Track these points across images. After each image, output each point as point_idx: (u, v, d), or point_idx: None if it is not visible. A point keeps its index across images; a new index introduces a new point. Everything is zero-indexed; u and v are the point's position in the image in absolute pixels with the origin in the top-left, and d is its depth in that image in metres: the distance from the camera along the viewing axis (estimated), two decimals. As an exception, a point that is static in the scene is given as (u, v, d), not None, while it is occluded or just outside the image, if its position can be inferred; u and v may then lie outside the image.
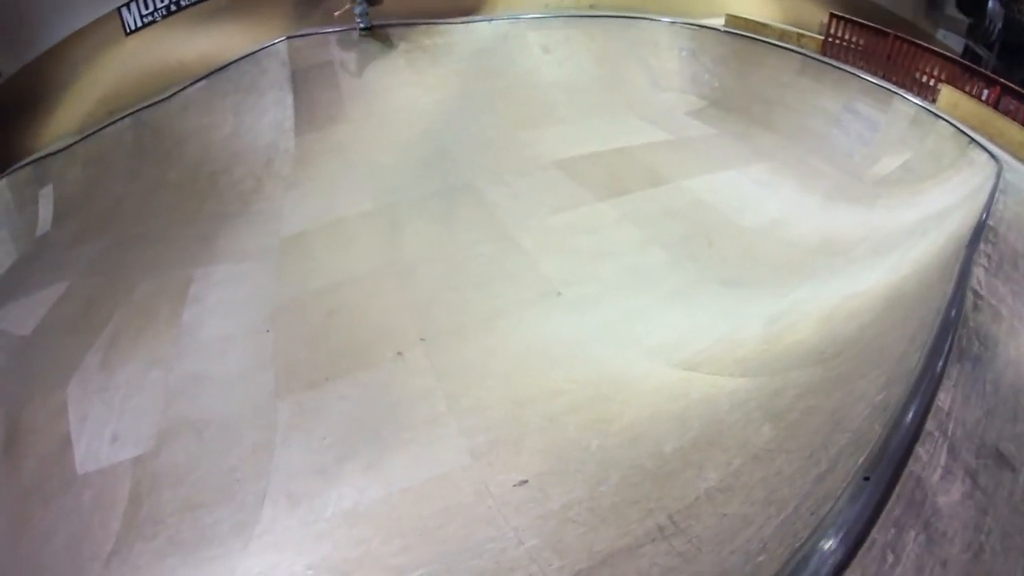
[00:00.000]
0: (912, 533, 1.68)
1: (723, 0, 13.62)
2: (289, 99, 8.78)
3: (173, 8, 10.91)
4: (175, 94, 9.30)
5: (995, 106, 9.83)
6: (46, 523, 4.08)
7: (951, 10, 24.54)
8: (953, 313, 3.00)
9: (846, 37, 11.03)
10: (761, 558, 1.82)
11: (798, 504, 2.00)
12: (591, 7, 11.72)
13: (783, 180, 7.85)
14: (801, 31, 11.61)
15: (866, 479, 1.71)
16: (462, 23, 10.50)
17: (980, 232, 4.53)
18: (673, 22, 11.27)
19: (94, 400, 4.90)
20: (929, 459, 1.99)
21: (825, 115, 9.32)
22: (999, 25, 26.52)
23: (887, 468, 1.81)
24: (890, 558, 1.59)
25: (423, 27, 10.06)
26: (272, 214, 7.04)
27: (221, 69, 9.39)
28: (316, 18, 10.66)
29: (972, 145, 7.51)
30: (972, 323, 3.12)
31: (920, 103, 8.85)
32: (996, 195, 5.36)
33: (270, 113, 8.71)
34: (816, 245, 6.24)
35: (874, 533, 1.60)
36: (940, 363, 2.53)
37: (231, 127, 8.68)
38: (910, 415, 2.11)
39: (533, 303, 5.31)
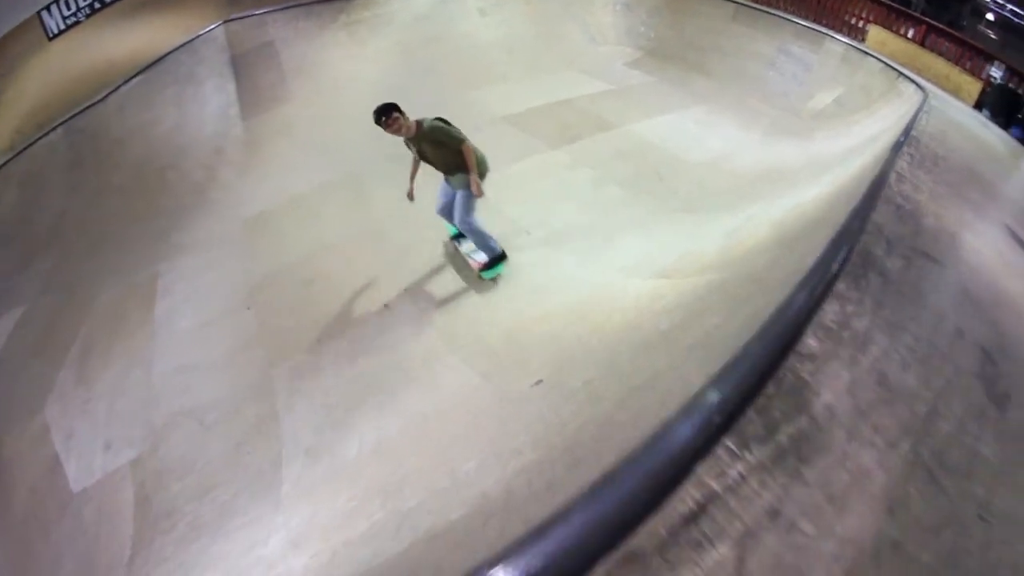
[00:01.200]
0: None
1: None
2: (231, 85, 8.25)
3: (97, 6, 10.04)
4: (108, 95, 8.62)
5: (921, 43, 10.29)
6: (51, 551, 3.75)
7: None
8: (876, 186, 3.22)
9: None
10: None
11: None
12: None
13: (723, 120, 8.08)
14: None
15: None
16: None
17: (906, 136, 4.91)
18: None
19: (77, 416, 4.51)
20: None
21: (760, 58, 9.58)
22: None
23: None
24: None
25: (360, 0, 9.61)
26: (230, 201, 6.64)
27: (155, 63, 8.72)
28: (249, 2, 10.04)
29: (900, 78, 7.90)
30: (895, 190, 3.33)
31: (850, 42, 9.24)
32: (920, 115, 5.63)
33: (213, 101, 8.17)
34: (760, 173, 6.47)
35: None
36: (863, 216, 2.67)
37: (173, 120, 8.11)
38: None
39: (505, 243, 5.24)
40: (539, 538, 0.88)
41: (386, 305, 4.57)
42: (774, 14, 10.14)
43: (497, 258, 4.78)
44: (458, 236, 5.26)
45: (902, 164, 4.09)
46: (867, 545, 1.01)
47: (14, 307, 6.17)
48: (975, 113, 8.78)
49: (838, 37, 9.32)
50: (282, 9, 9.11)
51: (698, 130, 7.70)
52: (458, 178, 4.74)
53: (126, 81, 8.64)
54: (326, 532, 2.82)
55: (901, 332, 1.79)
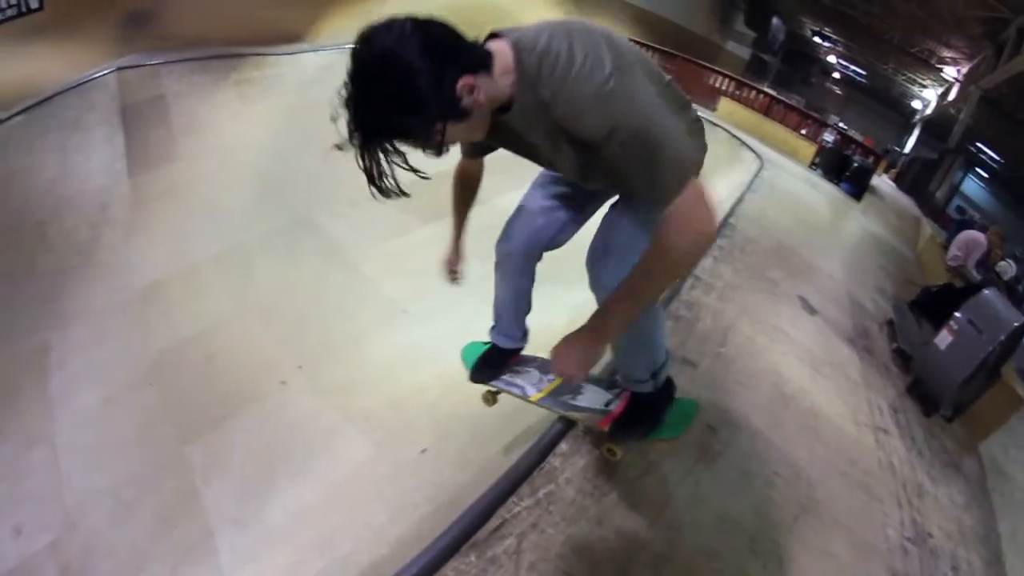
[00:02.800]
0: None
1: (531, 18, 15.34)
2: (120, 137, 7.96)
3: None
4: None
5: (765, 112, 12.42)
6: None
7: (739, 26, 28.76)
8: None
9: None
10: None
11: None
12: None
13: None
14: None
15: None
16: (289, 54, 10.31)
17: (727, 220, 6.14)
18: None
19: (-26, 503, 4.50)
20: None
21: None
22: (781, 38, 31.27)
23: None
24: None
25: (253, 59, 9.70)
26: (119, 265, 6.57)
27: (42, 102, 8.07)
28: (142, 43, 9.61)
29: (742, 147, 8.88)
30: (685, 297, 4.36)
31: (702, 115, 10.58)
32: (747, 193, 6.84)
33: (99, 152, 7.82)
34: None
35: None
36: None
37: (56, 169, 7.62)
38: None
39: (386, 321, 5.96)
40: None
41: (283, 382, 5.09)
42: None
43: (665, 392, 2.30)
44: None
45: (706, 263, 5.00)
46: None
47: None
48: (808, 173, 10.12)
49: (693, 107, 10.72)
50: (176, 61, 8.99)
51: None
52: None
53: (9, 117, 8.02)
54: None
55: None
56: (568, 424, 2.64)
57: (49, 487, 4.35)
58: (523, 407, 2.86)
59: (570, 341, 1.75)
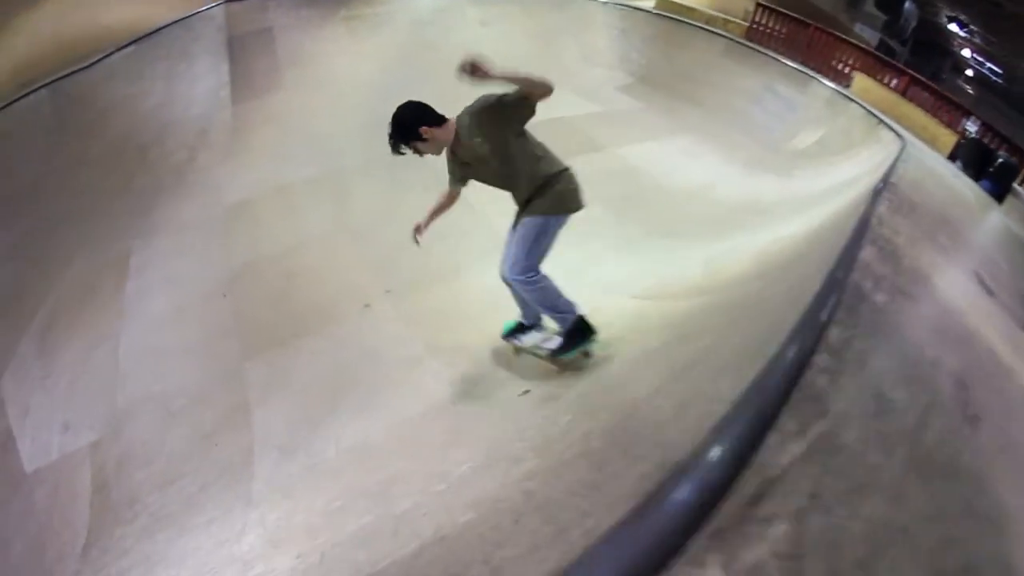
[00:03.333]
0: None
1: None
2: (225, 66, 7.99)
3: None
4: (98, 61, 8.24)
5: (903, 94, 10.70)
6: None
7: (869, 7, 25.81)
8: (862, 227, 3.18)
9: (770, 25, 11.57)
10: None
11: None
12: None
13: (707, 150, 8.07)
14: (728, 17, 12.03)
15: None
16: None
17: (885, 182, 4.93)
18: (606, 2, 11.34)
19: (35, 390, 4.25)
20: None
21: (747, 94, 9.63)
22: (913, 24, 27.95)
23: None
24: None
25: None
26: (211, 184, 6.41)
27: (150, 34, 8.37)
28: None
29: (880, 125, 7.95)
30: (877, 232, 3.31)
31: (835, 87, 9.35)
32: (897, 163, 5.73)
33: (204, 81, 7.89)
34: (741, 204, 6.50)
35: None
36: (852, 254, 2.66)
37: (161, 96, 7.79)
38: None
39: (491, 253, 5.09)
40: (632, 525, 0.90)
41: (367, 305, 4.45)
42: (764, 53, 10.32)
43: (577, 328, 3.26)
44: (514, 332, 3.70)
45: (882, 209, 4.22)
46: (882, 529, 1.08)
47: (-28, 273, 5.85)
48: (948, 164, 9.03)
49: (824, 81, 9.48)
50: None
51: (683, 159, 7.72)
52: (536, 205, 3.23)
53: (118, 49, 8.29)
54: (310, 532, 2.66)
55: (889, 358, 1.86)
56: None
57: (105, 387, 4.01)
58: (657, 360, 2.87)
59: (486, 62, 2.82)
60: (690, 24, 11.00)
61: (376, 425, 3.36)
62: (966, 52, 32.38)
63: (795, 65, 9.87)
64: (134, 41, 8.27)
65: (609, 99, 9.40)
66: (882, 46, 27.22)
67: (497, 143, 3.04)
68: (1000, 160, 10.42)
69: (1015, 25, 22.45)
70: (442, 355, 3.87)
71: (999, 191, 9.96)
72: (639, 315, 3.86)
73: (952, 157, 10.53)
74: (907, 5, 25.97)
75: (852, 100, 8.88)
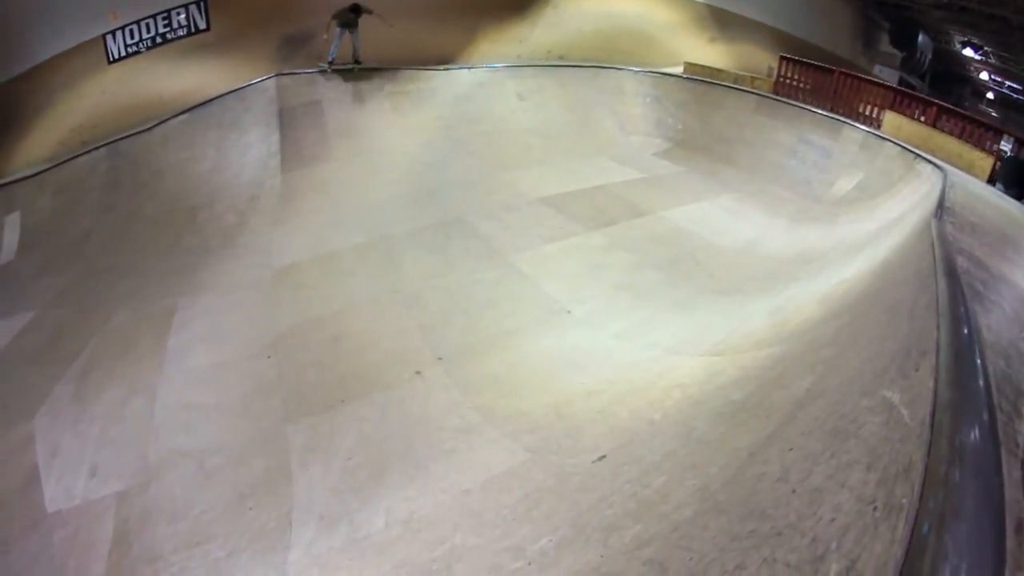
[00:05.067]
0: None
1: (679, 50, 15.11)
2: (275, 136, 8.56)
3: (159, 40, 10.57)
4: (155, 126, 8.95)
5: (933, 125, 10.70)
6: (5, 571, 3.51)
7: (885, 46, 26.72)
8: (941, 253, 3.23)
9: (795, 77, 11.98)
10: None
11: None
12: (560, 57, 12.56)
13: (750, 207, 8.35)
14: (754, 75, 12.59)
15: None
16: (443, 70, 10.70)
17: (942, 208, 5.16)
18: (637, 71, 11.96)
19: (66, 433, 4.34)
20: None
21: (782, 147, 9.97)
22: (929, 56, 28.43)
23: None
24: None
25: (407, 72, 10.20)
26: (259, 247, 6.69)
27: (204, 104, 9.13)
28: (298, 61, 10.63)
29: (917, 160, 8.20)
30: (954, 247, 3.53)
31: (867, 129, 9.66)
32: (946, 189, 5.95)
33: (255, 149, 8.45)
34: (792, 256, 6.64)
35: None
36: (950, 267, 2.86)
37: (212, 162, 8.34)
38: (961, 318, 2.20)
39: (545, 320, 5.24)
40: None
41: (418, 372, 4.45)
42: (794, 104, 10.70)
43: None
44: None
45: (949, 228, 4.29)
46: None
47: (23, 311, 6.19)
48: (989, 187, 9.12)
49: (855, 125, 9.76)
50: (334, 71, 9.71)
51: (728, 217, 7.94)
52: None
53: (174, 116, 8.98)
54: None
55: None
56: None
57: (137, 438, 4.05)
58: (748, 411, 2.77)
59: None
60: (720, 85, 11.54)
61: (430, 496, 3.25)
62: (984, 75, 32.56)
63: (825, 113, 10.24)
64: (190, 109, 8.98)
65: (649, 165, 9.81)
66: (903, 83, 27.80)
67: None
68: (1041, 175, 10.69)
69: (1024, 37, 22.59)
70: (500, 423, 3.80)
71: (1044, 207, 9.83)
72: (712, 371, 3.82)
73: (992, 180, 10.50)
74: (921, 38, 26.55)
75: (885, 139, 9.17)
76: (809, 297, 4.83)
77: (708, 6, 17.40)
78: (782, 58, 12.26)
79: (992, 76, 31.61)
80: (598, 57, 12.79)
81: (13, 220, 8.05)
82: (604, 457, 3.09)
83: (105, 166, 8.52)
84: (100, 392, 4.62)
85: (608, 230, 7.13)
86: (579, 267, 6.19)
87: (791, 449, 2.10)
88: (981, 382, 1.62)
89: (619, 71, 11.94)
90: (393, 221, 7.09)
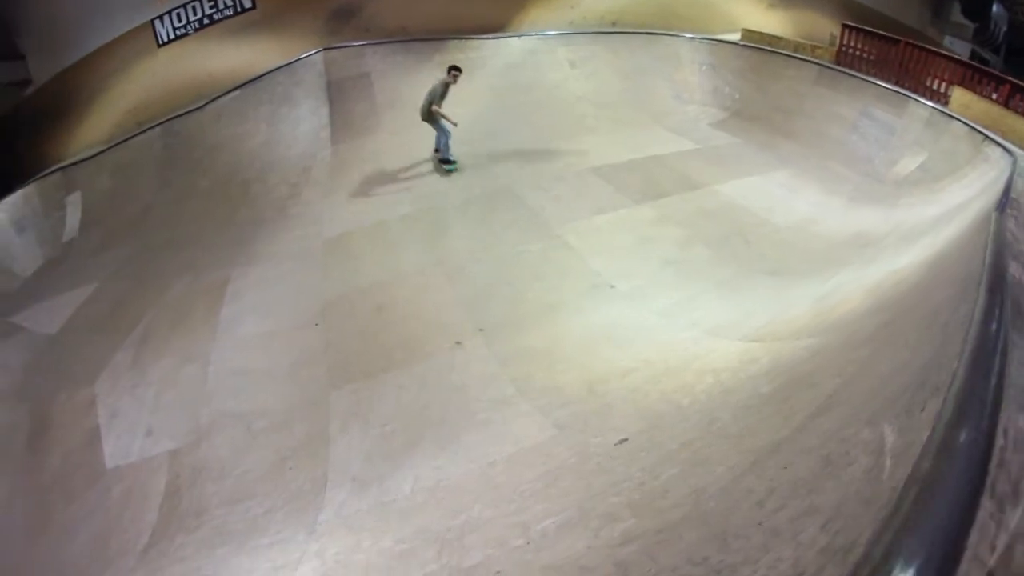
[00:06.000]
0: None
1: (737, 16, 14.48)
2: (325, 109, 8.78)
3: (206, 22, 10.99)
4: (207, 104, 9.30)
5: (1005, 104, 9.94)
6: (69, 520, 3.82)
7: (956, 16, 24.81)
8: (991, 259, 2.94)
9: (859, 47, 11.43)
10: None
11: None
12: (613, 24, 12.18)
13: (807, 184, 8.16)
14: (815, 43, 12.07)
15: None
16: (492, 39, 10.66)
17: (1006, 199, 4.85)
18: (692, 38, 11.74)
19: (125, 396, 4.65)
20: None
21: (843, 122, 9.68)
22: (1004, 28, 26.40)
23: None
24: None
25: (456, 42, 10.25)
26: (310, 218, 6.91)
27: (255, 80, 9.43)
28: (347, 34, 10.80)
29: (986, 142, 7.73)
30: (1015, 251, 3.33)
31: (933, 106, 9.24)
32: (1014, 178, 5.65)
33: (305, 122, 8.69)
34: (847, 238, 6.48)
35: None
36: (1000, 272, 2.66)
37: (264, 136, 8.61)
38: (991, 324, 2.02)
39: (588, 295, 5.19)
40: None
41: (458, 342, 4.53)
42: (856, 76, 10.32)
43: None
44: None
45: (1011, 225, 4.05)
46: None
47: (85, 284, 6.58)
48: None
49: (922, 100, 9.36)
50: (380, 43, 9.83)
51: (783, 193, 7.79)
52: None
53: (225, 93, 9.33)
54: (368, 573, 2.69)
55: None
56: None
57: (190, 402, 4.29)
58: (773, 407, 2.80)
59: None
60: (779, 53, 11.19)
61: (458, 466, 3.33)
62: None
63: (889, 86, 9.81)
64: (241, 85, 9.31)
65: (704, 136, 9.60)
66: (974, 57, 25.86)
67: None
68: None
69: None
70: (534, 397, 3.82)
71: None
72: (747, 359, 3.74)
73: None
74: (995, 9, 24.47)
75: (953, 118, 8.72)
76: (858, 285, 4.65)
77: None
78: (844, 26, 11.72)
79: None
80: (653, 23, 12.45)
81: (75, 199, 8.60)
82: (626, 440, 3.10)
83: (160, 145, 8.93)
84: (157, 359, 4.90)
85: (659, 203, 7.03)
86: (627, 240, 6.12)
87: (786, 468, 2.06)
88: (976, 451, 1.43)
89: (674, 38, 11.66)
90: (440, 192, 7.17)
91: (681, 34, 11.68)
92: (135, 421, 4.35)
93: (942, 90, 10.21)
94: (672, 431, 3.06)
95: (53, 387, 4.99)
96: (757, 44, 11.88)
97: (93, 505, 3.85)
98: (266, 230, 6.81)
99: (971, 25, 24.95)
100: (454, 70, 7.74)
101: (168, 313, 5.47)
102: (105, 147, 9.31)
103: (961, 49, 25.59)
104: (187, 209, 7.61)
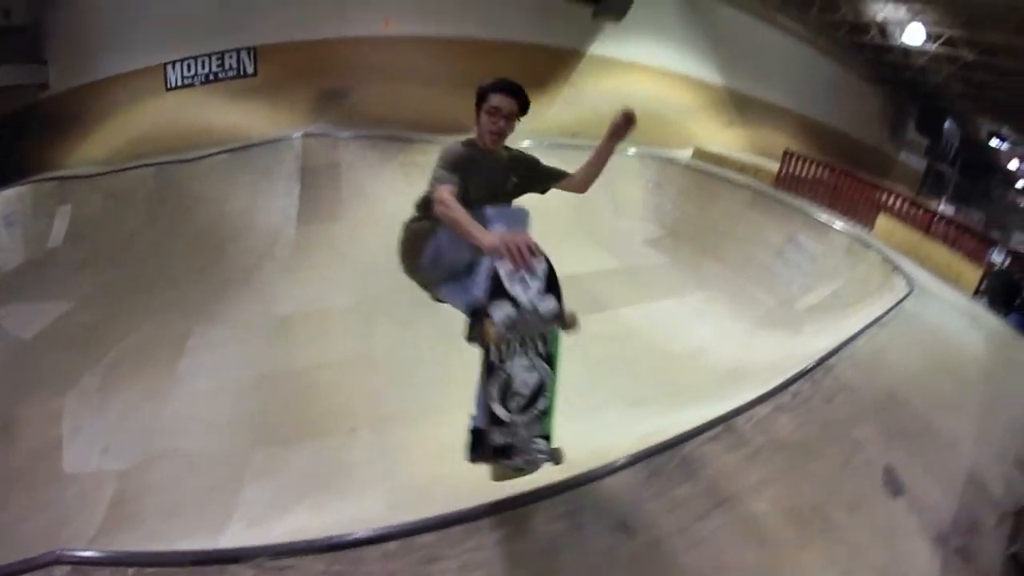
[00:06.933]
0: None
1: (696, 133, 16.28)
2: (297, 190, 10.29)
3: (211, 78, 12.78)
4: (200, 158, 10.74)
5: (926, 231, 11.02)
6: (26, 506, 5.08)
7: (912, 134, 27.18)
8: None
9: (798, 171, 12.72)
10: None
11: None
12: (574, 135, 12.95)
13: (718, 309, 8.82)
14: (759, 165, 13.35)
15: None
16: None
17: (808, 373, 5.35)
18: (644, 155, 12.72)
19: (89, 416, 6.03)
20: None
21: (769, 246, 10.36)
22: (955, 143, 28.94)
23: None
24: None
25: (420, 144, 11.55)
26: (268, 292, 8.36)
27: (243, 148, 10.96)
28: (334, 114, 12.47)
29: (895, 271, 8.33)
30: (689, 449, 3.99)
31: (855, 234, 10.00)
32: (872, 327, 6.31)
33: (279, 199, 10.14)
34: (728, 371, 6.93)
35: None
36: None
37: (243, 203, 10.03)
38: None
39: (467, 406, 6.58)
40: None
41: (353, 429, 5.96)
42: (788, 203, 11.07)
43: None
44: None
45: (759, 411, 4.51)
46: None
47: (63, 299, 7.93)
48: (971, 303, 9.05)
49: (847, 226, 10.06)
50: (354, 137, 11.36)
51: (689, 318, 8.36)
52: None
53: (217, 152, 10.88)
54: None
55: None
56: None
57: (144, 433, 5.75)
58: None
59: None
60: (719, 176, 11.99)
61: (320, 520, 4.48)
62: (1014, 164, 32.54)
63: (819, 213, 10.58)
64: (231, 149, 10.91)
65: (633, 253, 10.40)
66: (931, 172, 28.13)
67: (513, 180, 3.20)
68: (1028, 292, 10.15)
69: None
70: (390, 484, 5.14)
71: (1029, 325, 9.64)
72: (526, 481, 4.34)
73: (978, 292, 10.26)
74: (948, 125, 26.74)
75: (870, 247, 9.28)
76: (679, 429, 4.82)
77: (728, 89, 17.96)
78: (786, 152, 12.92)
79: (1022, 164, 31.27)
80: None
81: (65, 211, 9.92)
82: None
83: (153, 183, 10.40)
84: (121, 390, 6.31)
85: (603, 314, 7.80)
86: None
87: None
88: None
89: (626, 153, 12.38)
90: (384, 288, 8.31)
91: (634, 149, 12.59)
92: (94, 438, 5.71)
93: (869, 217, 11.23)
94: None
95: (25, 391, 6.31)
96: (706, 163, 12.95)
97: (50, 499, 5.15)
98: (231, 293, 8.22)
99: (925, 141, 27.05)
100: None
101: (136, 351, 6.90)
102: (102, 170, 10.70)
103: (916, 164, 28.02)
104: (167, 251, 9.04)
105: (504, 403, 2.70)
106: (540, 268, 2.61)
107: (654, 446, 3.65)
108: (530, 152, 3.43)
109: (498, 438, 2.74)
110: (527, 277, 2.57)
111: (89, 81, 12.70)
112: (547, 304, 2.60)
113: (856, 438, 4.78)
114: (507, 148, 3.14)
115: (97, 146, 12.12)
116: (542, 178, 3.36)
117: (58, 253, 9.24)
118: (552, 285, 2.64)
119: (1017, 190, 34.53)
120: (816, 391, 5.10)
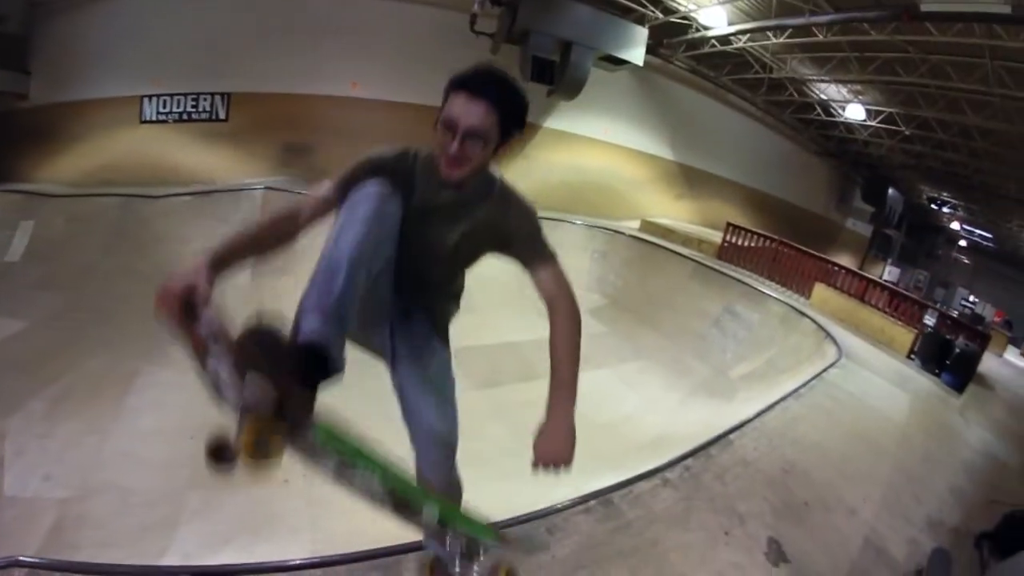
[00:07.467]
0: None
1: (645, 205, 17.34)
2: None
3: (184, 117, 13.59)
4: (163, 197, 11.34)
5: (861, 298, 11.68)
6: None
7: (858, 202, 29.47)
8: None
9: (738, 243, 13.56)
10: None
11: None
12: None
13: (652, 378, 9.20)
14: (703, 237, 14.26)
15: None
16: None
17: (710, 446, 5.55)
18: (591, 225, 13.41)
19: (32, 441, 6.40)
20: None
21: (706, 316, 10.89)
22: (899, 210, 31.49)
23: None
24: None
25: None
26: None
27: (205, 193, 11.60)
28: (296, 168, 13.36)
29: (827, 339, 8.74)
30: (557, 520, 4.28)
31: (791, 303, 10.54)
32: (787, 399, 6.57)
33: None
34: (653, 439, 7.16)
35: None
36: None
37: (200, 247, 10.62)
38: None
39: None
40: None
41: (286, 480, 6.26)
42: (727, 274, 11.61)
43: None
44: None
45: (641, 486, 4.59)
46: None
47: (16, 318, 8.36)
48: (903, 366, 9.51)
49: (785, 296, 10.54)
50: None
51: (621, 388, 8.59)
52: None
53: (180, 194, 11.53)
54: None
55: None
56: None
57: (86, 464, 6.24)
58: None
59: (558, 428, 1.96)
60: (665, 247, 12.56)
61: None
62: (955, 225, 35.31)
63: (756, 283, 11.08)
64: (193, 193, 11.58)
65: None
66: (878, 236, 30.84)
67: (473, 238, 2.27)
68: (957, 351, 10.93)
69: (986, 194, 25.19)
70: (314, 531, 5.72)
71: (959, 383, 10.41)
72: None
73: (911, 355, 11.02)
74: (891, 193, 28.62)
75: (804, 315, 9.76)
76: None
77: (678, 163, 19.10)
78: (728, 224, 13.85)
79: (963, 226, 34.88)
80: (563, 208, 14.16)
81: (27, 226, 10.31)
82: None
83: (116, 213, 10.93)
84: (66, 420, 6.74)
85: (487, 392, 8.18)
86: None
87: None
88: None
89: (574, 224, 13.18)
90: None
91: (583, 221, 13.26)
92: (36, 464, 6.13)
93: (805, 286, 11.95)
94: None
95: (-32, 407, 6.70)
96: (651, 235, 13.58)
97: (-11, 518, 5.67)
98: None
99: (871, 209, 29.29)
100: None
101: (84, 384, 7.35)
102: (69, 191, 11.21)
103: (863, 229, 30.49)
104: (123, 285, 9.40)
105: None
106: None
107: (523, 515, 4.08)
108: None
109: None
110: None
111: (68, 100, 13.24)
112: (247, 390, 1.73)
113: (741, 512, 4.79)
114: (489, 182, 2.15)
115: (68, 166, 12.61)
116: (509, 252, 2.32)
117: (15, 268, 9.61)
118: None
119: (960, 247, 38.11)
120: (707, 467, 5.22)
